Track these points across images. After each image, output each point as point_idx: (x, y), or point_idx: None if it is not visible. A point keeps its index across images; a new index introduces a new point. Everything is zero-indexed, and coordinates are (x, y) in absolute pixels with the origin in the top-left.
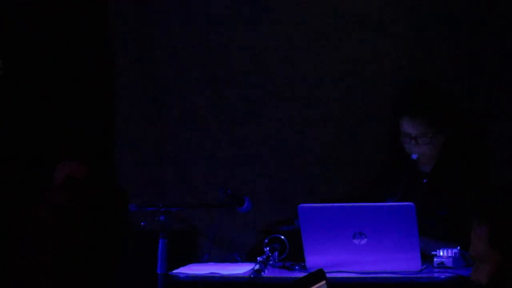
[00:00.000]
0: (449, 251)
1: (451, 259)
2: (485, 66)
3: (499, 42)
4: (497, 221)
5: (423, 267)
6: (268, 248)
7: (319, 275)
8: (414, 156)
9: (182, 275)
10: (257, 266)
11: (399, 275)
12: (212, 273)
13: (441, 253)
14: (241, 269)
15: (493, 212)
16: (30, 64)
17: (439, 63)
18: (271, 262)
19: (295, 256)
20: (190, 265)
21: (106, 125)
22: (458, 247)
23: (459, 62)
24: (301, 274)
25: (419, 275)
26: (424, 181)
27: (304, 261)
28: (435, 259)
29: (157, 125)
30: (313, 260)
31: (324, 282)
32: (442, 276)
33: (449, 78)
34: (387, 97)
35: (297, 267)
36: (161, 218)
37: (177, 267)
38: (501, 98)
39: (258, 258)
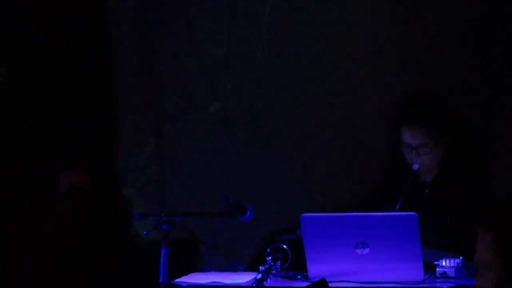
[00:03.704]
0: (452, 261)
1: (453, 269)
2: (486, 72)
3: (500, 47)
4: (502, 228)
5: (425, 277)
6: (270, 257)
7: (321, 284)
8: (415, 167)
9: (184, 284)
10: (259, 276)
11: (401, 285)
12: (214, 282)
13: (444, 263)
14: (243, 278)
15: (499, 219)
16: (30, 67)
17: (440, 69)
18: (273, 272)
19: (297, 266)
20: (192, 274)
21: (107, 130)
22: (461, 257)
23: (459, 69)
24: (303, 284)
25: (421, 285)
26: (427, 191)
27: (306, 270)
28: (437, 269)
29: (157, 132)
30: (316, 269)
31: None
32: (445, 286)
33: (449, 85)
34: (388, 105)
35: (299, 277)
36: (163, 227)
37: (179, 276)
38: (501, 105)
39: (260, 267)
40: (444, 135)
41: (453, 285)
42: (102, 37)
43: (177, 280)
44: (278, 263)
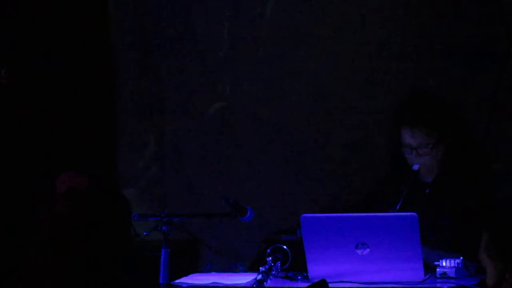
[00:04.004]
0: (452, 261)
1: (454, 269)
2: (486, 72)
3: (500, 47)
4: (497, 231)
5: (426, 277)
6: (270, 258)
7: (321, 285)
8: (416, 167)
9: (184, 285)
10: (259, 276)
11: (401, 285)
12: (214, 283)
13: (444, 263)
14: (243, 279)
15: (495, 222)
16: (31, 69)
17: (440, 69)
18: (273, 272)
19: (297, 266)
20: (192, 275)
21: (107, 131)
22: (461, 257)
23: (459, 69)
24: (303, 284)
25: (421, 285)
26: (427, 191)
27: (306, 271)
28: (438, 269)
29: (158, 134)
30: (316, 270)
31: None
32: (445, 286)
33: (449, 85)
34: (390, 106)
35: (299, 277)
36: (163, 227)
37: (179, 277)
38: (502, 105)
39: (260, 268)
40: (444, 135)
41: (453, 285)
42: (102, 37)
43: (177, 280)
44: (279, 263)
